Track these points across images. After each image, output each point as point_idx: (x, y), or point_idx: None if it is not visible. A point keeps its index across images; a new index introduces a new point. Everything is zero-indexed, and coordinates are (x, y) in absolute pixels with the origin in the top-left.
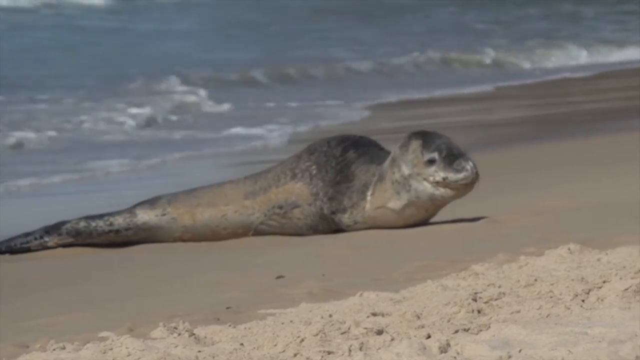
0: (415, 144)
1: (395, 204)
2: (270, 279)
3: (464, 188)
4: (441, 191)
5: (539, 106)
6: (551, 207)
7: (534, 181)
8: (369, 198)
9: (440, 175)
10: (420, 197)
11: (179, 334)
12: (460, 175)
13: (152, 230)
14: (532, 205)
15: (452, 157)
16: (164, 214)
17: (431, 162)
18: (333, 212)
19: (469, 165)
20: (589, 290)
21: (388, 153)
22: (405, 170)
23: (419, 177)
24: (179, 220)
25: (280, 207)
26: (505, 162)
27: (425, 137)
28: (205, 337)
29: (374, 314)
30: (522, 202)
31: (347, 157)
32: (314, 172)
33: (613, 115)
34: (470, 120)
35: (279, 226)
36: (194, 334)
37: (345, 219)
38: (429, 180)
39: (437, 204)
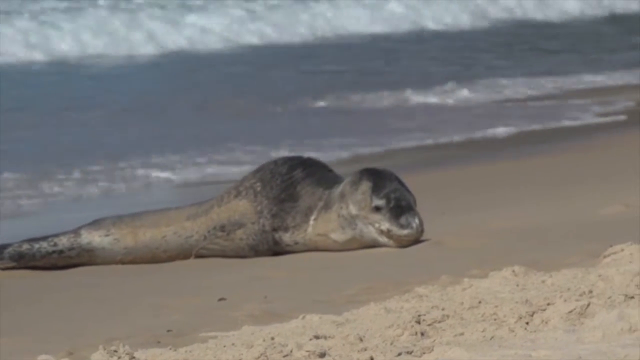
0: (365, 186)
1: (339, 236)
2: (212, 301)
3: (406, 242)
4: (384, 240)
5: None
6: (495, 228)
7: (478, 203)
8: (311, 222)
9: (385, 225)
10: (364, 237)
11: (119, 357)
12: (404, 232)
13: (95, 251)
14: (476, 227)
15: (399, 209)
16: (107, 235)
17: (378, 209)
18: (275, 229)
19: (414, 223)
20: (533, 313)
21: (336, 176)
22: (353, 210)
23: (365, 220)
24: (121, 241)
25: (222, 228)
26: (448, 183)
27: (377, 180)
28: None
29: (317, 337)
30: (466, 224)
31: (293, 176)
32: (259, 189)
33: (554, 136)
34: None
35: (219, 250)
36: (134, 357)
37: (287, 237)
38: (374, 226)
39: (380, 246)
